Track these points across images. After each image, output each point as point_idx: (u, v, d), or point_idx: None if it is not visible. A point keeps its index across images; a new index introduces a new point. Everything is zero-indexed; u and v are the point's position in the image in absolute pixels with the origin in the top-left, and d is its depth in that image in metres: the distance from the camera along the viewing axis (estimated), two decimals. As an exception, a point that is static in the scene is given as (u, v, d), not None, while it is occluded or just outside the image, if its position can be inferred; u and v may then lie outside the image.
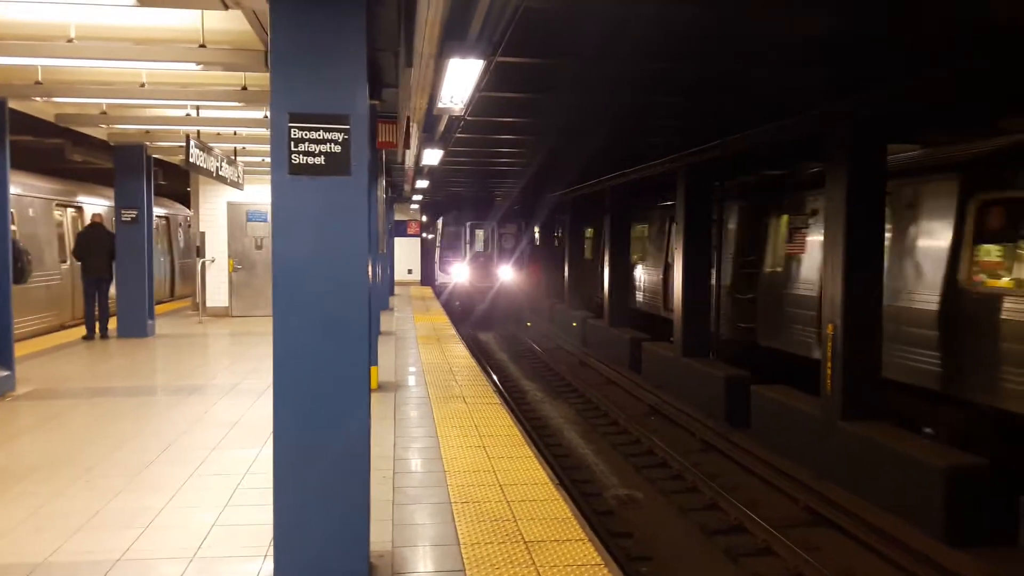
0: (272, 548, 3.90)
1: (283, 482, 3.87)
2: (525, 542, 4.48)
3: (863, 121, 8.15)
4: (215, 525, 4.73)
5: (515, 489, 5.42)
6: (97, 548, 4.38)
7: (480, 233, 28.41)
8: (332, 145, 3.75)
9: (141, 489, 5.40)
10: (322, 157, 3.75)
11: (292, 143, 3.73)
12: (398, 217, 29.17)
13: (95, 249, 12.81)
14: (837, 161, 8.58)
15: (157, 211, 17.33)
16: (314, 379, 3.86)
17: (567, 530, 4.67)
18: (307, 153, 3.74)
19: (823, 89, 8.08)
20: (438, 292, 26.87)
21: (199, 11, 6.06)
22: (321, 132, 3.73)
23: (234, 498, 5.22)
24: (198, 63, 6.52)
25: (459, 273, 27.06)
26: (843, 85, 7.86)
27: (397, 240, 29.08)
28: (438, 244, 29.44)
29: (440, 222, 29.61)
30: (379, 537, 4.48)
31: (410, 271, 30.97)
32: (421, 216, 32.03)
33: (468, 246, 28.12)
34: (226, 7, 4.77)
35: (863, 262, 8.38)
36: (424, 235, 32.23)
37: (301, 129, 3.73)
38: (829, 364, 8.61)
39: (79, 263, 13.08)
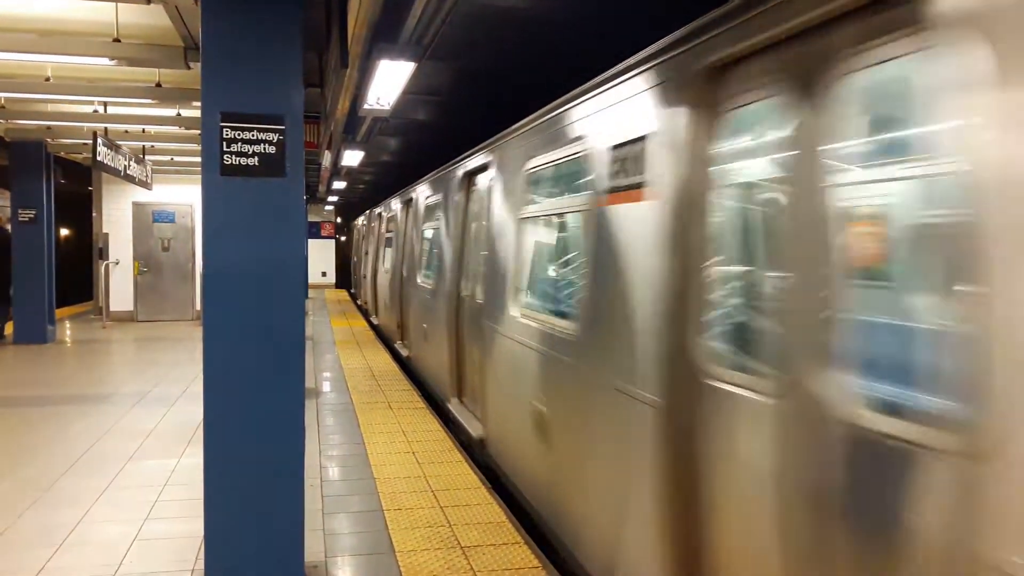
0: (200, 562, 3.77)
1: (214, 495, 3.74)
2: (462, 547, 4.45)
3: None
4: (136, 539, 4.53)
5: (448, 494, 5.38)
6: (9, 568, 4.13)
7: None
8: (266, 146, 3.65)
9: (53, 504, 5.12)
10: (256, 158, 3.64)
11: (224, 143, 3.61)
12: (311, 218, 28.56)
13: None
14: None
15: None
16: (247, 389, 3.74)
17: (503, 534, 4.67)
18: (240, 154, 3.63)
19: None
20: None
21: (113, 4, 5.79)
22: (255, 132, 3.63)
23: (155, 511, 5.01)
24: (111, 58, 6.23)
25: None
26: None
27: (311, 242, 28.22)
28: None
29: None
30: (311, 547, 4.36)
31: (324, 274, 30.34)
32: (336, 218, 31.46)
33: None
34: (148, 1, 4.57)
35: None
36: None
37: (234, 129, 3.61)
38: None
39: None
